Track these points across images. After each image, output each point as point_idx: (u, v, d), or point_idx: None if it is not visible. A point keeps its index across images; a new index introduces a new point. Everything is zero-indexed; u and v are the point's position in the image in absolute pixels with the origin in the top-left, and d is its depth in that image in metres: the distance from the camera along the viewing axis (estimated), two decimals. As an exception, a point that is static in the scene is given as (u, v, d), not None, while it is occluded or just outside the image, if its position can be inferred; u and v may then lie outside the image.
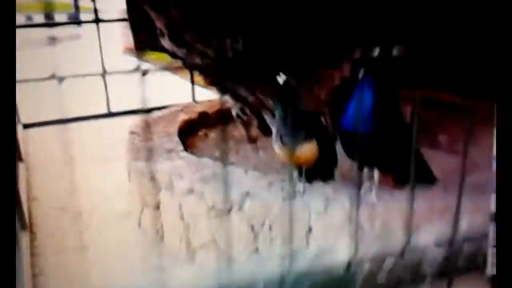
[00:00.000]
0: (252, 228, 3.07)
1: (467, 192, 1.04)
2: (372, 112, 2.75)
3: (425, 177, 3.10)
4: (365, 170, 3.02)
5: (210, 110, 4.98)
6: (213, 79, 4.01)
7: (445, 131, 3.87)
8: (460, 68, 3.58)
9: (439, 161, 3.26)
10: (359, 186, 2.94)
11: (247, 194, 3.07)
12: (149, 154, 3.72)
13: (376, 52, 2.79)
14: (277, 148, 2.96)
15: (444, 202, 2.80)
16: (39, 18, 23.37)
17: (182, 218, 3.32)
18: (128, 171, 3.86)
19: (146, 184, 3.62)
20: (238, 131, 4.55)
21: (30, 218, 3.75)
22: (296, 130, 2.89)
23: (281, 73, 2.91)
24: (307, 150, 2.88)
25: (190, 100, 6.17)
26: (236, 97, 4.10)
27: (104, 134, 5.59)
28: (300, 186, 3.05)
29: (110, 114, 5.86)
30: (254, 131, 4.45)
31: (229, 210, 3.11)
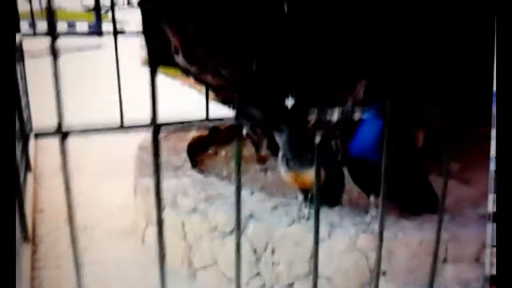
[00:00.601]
0: (255, 251, 3.02)
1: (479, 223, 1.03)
2: (380, 140, 2.71)
3: (431, 206, 3.05)
4: (372, 197, 2.98)
5: (222, 127, 4.97)
6: (225, 97, 4.00)
7: (457, 160, 3.80)
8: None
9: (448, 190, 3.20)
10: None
11: (251, 216, 3.04)
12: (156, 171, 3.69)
13: (385, 79, 2.77)
14: (283, 171, 2.93)
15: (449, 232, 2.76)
16: (62, 27, 23.89)
17: (184, 237, 3.29)
18: (134, 186, 3.85)
19: (151, 201, 3.60)
20: (247, 150, 4.52)
21: (33, 230, 3.73)
22: (302, 154, 2.85)
23: (290, 96, 2.90)
24: (313, 174, 2.85)
25: (203, 115, 6.15)
26: (247, 116, 4.07)
27: (115, 147, 5.60)
28: (306, 210, 3.00)
29: (123, 128, 5.84)
30: (264, 151, 4.41)
31: (232, 232, 3.07)
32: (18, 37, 4.99)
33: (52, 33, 0.95)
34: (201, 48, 3.45)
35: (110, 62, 5.81)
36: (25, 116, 5.12)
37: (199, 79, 3.73)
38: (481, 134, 2.92)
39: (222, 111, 4.96)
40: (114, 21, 5.31)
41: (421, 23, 3.26)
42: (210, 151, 4.61)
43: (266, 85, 3.46)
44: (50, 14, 0.96)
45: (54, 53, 0.97)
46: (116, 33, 5.44)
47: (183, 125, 4.96)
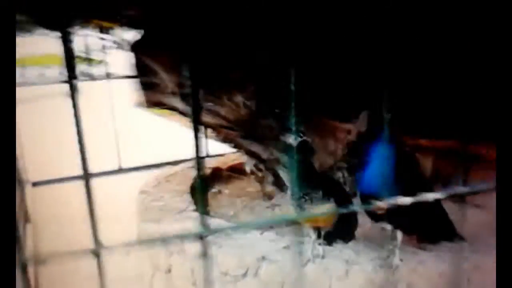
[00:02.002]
0: (270, 294, 2.90)
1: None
2: (392, 173, 2.63)
3: (448, 234, 2.97)
4: (388, 230, 2.89)
5: (224, 166, 4.88)
6: (225, 136, 3.93)
7: (468, 184, 3.72)
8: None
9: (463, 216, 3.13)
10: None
11: (263, 258, 2.93)
12: (159, 216, 3.60)
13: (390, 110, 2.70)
14: (292, 210, 2.84)
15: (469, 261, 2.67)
16: (53, 72, 23.96)
17: (194, 284, 3.16)
18: (138, 232, 3.73)
19: (156, 247, 3.49)
20: (252, 187, 4.43)
21: (36, 283, 3.61)
22: (311, 191, 2.76)
23: (293, 132, 2.82)
24: (324, 210, 2.76)
25: (203, 154, 6.08)
26: (249, 153, 4.00)
27: (114, 192, 5.49)
28: (319, 248, 2.90)
29: (121, 170, 5.77)
30: (270, 187, 4.32)
31: (244, 275, 2.96)
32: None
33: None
34: (199, 89, 3.39)
35: (104, 105, 5.77)
36: (20, 165, 5.04)
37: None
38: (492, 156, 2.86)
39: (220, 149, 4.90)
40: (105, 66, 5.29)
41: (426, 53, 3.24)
42: (214, 191, 4.51)
43: (267, 122, 3.40)
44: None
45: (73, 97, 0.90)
46: (108, 77, 5.40)
47: (183, 164, 4.85)
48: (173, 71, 3.41)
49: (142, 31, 3.73)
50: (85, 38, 10.78)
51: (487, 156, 3.38)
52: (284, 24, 3.42)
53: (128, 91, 4.44)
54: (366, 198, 2.72)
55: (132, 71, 3.87)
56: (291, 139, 2.87)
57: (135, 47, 3.67)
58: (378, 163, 2.77)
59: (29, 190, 5.27)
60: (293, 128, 3.11)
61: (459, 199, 1.32)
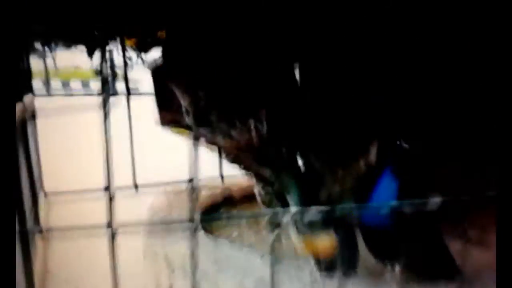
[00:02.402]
0: (266, 318, 2.91)
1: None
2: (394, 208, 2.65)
3: (450, 271, 2.95)
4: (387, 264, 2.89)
5: (234, 187, 4.93)
6: (235, 158, 3.98)
7: (475, 223, 3.70)
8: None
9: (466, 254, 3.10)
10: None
11: (262, 280, 2.94)
12: (166, 233, 3.64)
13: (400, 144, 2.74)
14: (293, 236, 2.86)
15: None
16: (77, 85, 24.37)
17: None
18: (143, 249, 3.78)
19: (160, 264, 3.52)
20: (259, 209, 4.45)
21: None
22: (314, 218, 2.79)
23: (300, 158, 2.87)
24: (325, 240, 2.78)
25: (216, 174, 6.13)
26: (258, 176, 4.04)
27: (127, 207, 5.55)
28: (318, 275, 2.91)
29: (135, 186, 5.84)
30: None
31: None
32: (29, 97, 5.07)
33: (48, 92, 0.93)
34: (212, 109, 3.46)
35: (124, 122, 5.87)
36: (35, 174, 5.12)
37: (209, 141, 3.72)
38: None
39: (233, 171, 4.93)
40: (127, 82, 5.40)
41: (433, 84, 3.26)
42: (222, 211, 4.55)
43: (277, 147, 3.44)
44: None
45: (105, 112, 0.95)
46: (129, 93, 5.51)
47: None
48: (188, 92, 3.49)
49: (161, 52, 3.84)
50: (110, 54, 10.98)
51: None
52: (296, 58, 3.51)
53: (148, 109, 4.52)
54: (367, 231, 2.74)
55: (151, 89, 3.97)
56: (300, 163, 2.91)
57: (153, 66, 3.77)
58: (383, 195, 2.79)
59: (42, 199, 5.35)
60: (302, 154, 3.15)
61: (462, 237, 1.34)
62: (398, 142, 2.86)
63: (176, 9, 3.52)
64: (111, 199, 0.93)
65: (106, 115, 0.94)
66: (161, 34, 4.33)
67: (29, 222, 4.03)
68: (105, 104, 0.95)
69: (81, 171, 6.29)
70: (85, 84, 24.25)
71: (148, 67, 3.77)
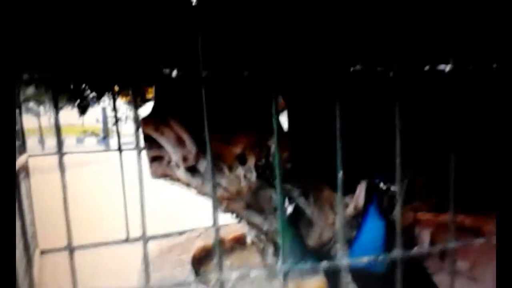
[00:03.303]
0: None
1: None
2: (383, 249, 2.69)
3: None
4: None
5: (227, 236, 4.95)
6: (227, 207, 4.02)
7: (466, 257, 3.72)
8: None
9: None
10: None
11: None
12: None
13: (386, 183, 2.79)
14: (281, 280, 2.88)
15: None
16: (71, 141, 24.52)
17: None
18: (137, 302, 3.78)
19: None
20: (254, 258, 4.46)
21: None
22: (301, 262, 2.82)
23: (288, 202, 2.92)
24: (314, 284, 2.80)
25: (210, 223, 6.15)
26: (251, 224, 4.08)
27: (120, 261, 5.55)
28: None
29: (129, 240, 5.84)
30: (270, 259, 4.35)
31: None
32: (24, 156, 5.14)
33: (60, 151, 1.00)
34: (201, 161, 3.54)
35: (118, 176, 5.92)
36: (29, 233, 5.14)
37: (200, 191, 3.78)
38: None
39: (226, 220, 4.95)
40: (119, 138, 5.50)
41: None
42: (215, 262, 4.55)
43: (267, 194, 3.50)
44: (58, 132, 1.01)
45: (62, 170, 1.01)
46: (120, 149, 5.59)
47: (188, 234, 4.92)
48: (178, 145, 3.57)
49: (151, 106, 3.94)
50: (104, 110, 11.15)
51: (486, 229, 3.41)
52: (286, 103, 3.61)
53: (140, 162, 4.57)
54: (356, 273, 2.76)
55: (141, 143, 4.05)
56: (288, 208, 2.96)
57: (142, 120, 3.86)
58: (371, 237, 2.83)
59: (37, 257, 5.35)
60: (290, 199, 3.21)
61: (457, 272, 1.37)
62: (381, 183, 2.92)
63: (163, 64, 3.64)
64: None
65: (122, 171, 1.01)
66: (151, 90, 4.46)
67: (24, 283, 4.03)
68: (121, 159, 1.02)
69: (74, 227, 6.27)
70: (80, 141, 24.41)
71: (138, 122, 3.86)
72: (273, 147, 3.41)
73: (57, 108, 0.98)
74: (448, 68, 0.95)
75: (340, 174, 0.98)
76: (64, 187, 1.03)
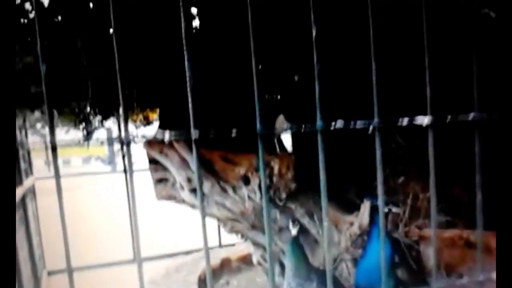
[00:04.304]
0: None
1: None
2: (388, 268, 2.70)
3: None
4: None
5: (233, 256, 4.96)
6: (232, 228, 4.05)
7: (470, 271, 3.72)
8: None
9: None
10: None
11: None
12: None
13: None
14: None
15: None
16: (77, 161, 24.59)
17: None
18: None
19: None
20: (260, 277, 4.47)
21: None
22: (307, 283, 2.84)
23: (295, 223, 2.94)
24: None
25: (216, 243, 6.16)
26: (256, 244, 4.09)
27: (127, 282, 5.56)
28: None
29: (136, 261, 5.86)
30: (276, 278, 4.36)
31: None
32: (31, 179, 5.19)
33: (57, 173, 1.02)
34: (205, 183, 3.58)
35: (121, 197, 5.96)
36: (37, 254, 5.17)
37: (205, 212, 3.82)
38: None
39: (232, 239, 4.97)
40: (124, 159, 5.54)
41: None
42: (222, 281, 4.56)
43: (272, 215, 3.52)
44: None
45: (60, 194, 1.04)
46: (126, 171, 5.64)
47: (194, 255, 4.94)
48: (182, 167, 3.62)
49: (157, 129, 4.00)
50: (109, 131, 11.21)
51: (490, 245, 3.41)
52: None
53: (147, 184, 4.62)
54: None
55: (147, 166, 4.10)
56: (293, 229, 2.98)
57: (147, 143, 3.91)
58: (376, 256, 2.83)
59: (44, 278, 5.36)
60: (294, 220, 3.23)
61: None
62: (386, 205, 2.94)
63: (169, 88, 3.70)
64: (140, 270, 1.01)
65: (132, 192, 1.03)
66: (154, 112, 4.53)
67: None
68: (131, 180, 1.04)
69: (81, 248, 6.31)
70: (86, 160, 24.50)
71: (144, 144, 3.92)
72: (276, 167, 3.45)
73: (53, 134, 1.00)
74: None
75: (323, 177, 1.00)
76: (61, 208, 1.05)
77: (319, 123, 1.01)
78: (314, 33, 0.98)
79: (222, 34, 3.38)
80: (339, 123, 1.02)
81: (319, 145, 1.02)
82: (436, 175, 1.05)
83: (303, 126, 1.05)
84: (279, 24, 3.23)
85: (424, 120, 1.00)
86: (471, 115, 1.02)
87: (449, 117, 1.03)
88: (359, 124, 1.02)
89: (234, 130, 1.08)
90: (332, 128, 1.02)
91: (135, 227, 1.06)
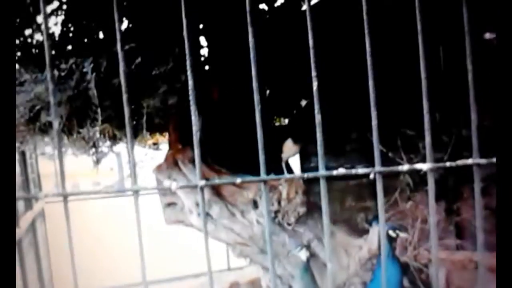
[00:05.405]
0: None
1: None
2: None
3: None
4: None
5: (242, 280, 4.94)
6: (241, 252, 4.04)
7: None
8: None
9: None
10: None
11: None
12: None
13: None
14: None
15: None
16: (87, 185, 24.62)
17: None
18: None
19: None
20: (270, 300, 4.44)
21: None
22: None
23: (304, 247, 2.95)
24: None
25: (225, 266, 6.15)
26: (265, 268, 4.08)
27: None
28: None
29: (142, 284, 5.85)
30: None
31: None
32: (40, 203, 5.23)
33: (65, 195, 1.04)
34: (214, 207, 3.59)
35: (130, 221, 5.96)
36: (46, 278, 5.18)
37: (214, 236, 3.82)
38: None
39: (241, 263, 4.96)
40: (134, 179, 5.57)
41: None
42: (231, 306, 4.54)
43: (280, 239, 3.53)
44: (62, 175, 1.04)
45: (67, 215, 1.05)
46: (136, 192, 5.65)
47: (202, 279, 4.92)
48: (190, 191, 3.63)
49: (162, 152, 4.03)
50: (118, 156, 11.27)
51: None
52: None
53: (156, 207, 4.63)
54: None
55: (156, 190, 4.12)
56: (302, 253, 2.98)
57: (156, 167, 3.94)
58: (386, 280, 2.83)
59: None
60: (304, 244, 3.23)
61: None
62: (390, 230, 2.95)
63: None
64: None
65: (138, 214, 1.04)
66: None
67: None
68: (137, 202, 1.06)
69: (89, 270, 6.32)
70: (96, 184, 24.53)
71: (153, 169, 3.95)
72: (284, 192, 3.45)
73: (61, 160, 1.02)
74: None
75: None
76: (69, 232, 1.06)
77: (322, 171, 1.02)
78: (314, 80, 1.00)
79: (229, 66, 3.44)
80: (341, 170, 1.05)
81: (322, 191, 1.04)
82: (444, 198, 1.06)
83: (305, 174, 1.07)
84: (285, 51, 3.28)
85: (423, 167, 1.02)
86: (470, 160, 1.03)
87: (448, 164, 1.05)
88: (361, 171, 1.04)
89: (238, 179, 1.10)
90: (334, 174, 1.04)
91: (141, 250, 1.07)
